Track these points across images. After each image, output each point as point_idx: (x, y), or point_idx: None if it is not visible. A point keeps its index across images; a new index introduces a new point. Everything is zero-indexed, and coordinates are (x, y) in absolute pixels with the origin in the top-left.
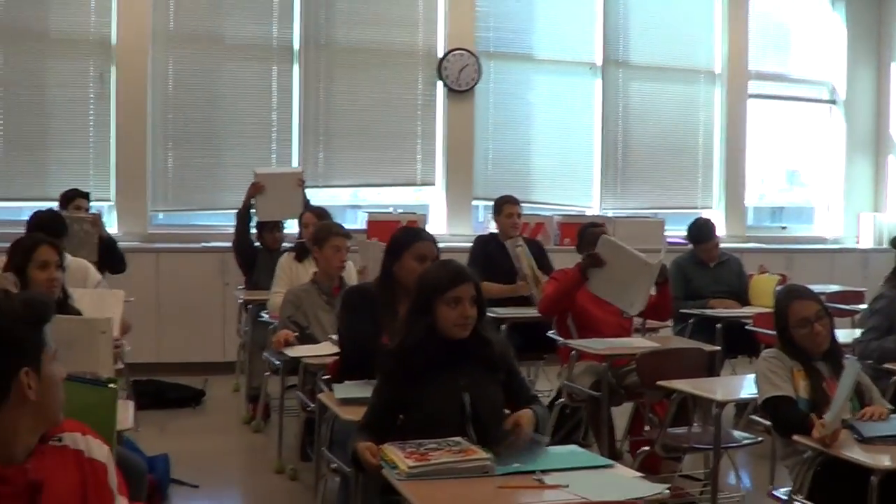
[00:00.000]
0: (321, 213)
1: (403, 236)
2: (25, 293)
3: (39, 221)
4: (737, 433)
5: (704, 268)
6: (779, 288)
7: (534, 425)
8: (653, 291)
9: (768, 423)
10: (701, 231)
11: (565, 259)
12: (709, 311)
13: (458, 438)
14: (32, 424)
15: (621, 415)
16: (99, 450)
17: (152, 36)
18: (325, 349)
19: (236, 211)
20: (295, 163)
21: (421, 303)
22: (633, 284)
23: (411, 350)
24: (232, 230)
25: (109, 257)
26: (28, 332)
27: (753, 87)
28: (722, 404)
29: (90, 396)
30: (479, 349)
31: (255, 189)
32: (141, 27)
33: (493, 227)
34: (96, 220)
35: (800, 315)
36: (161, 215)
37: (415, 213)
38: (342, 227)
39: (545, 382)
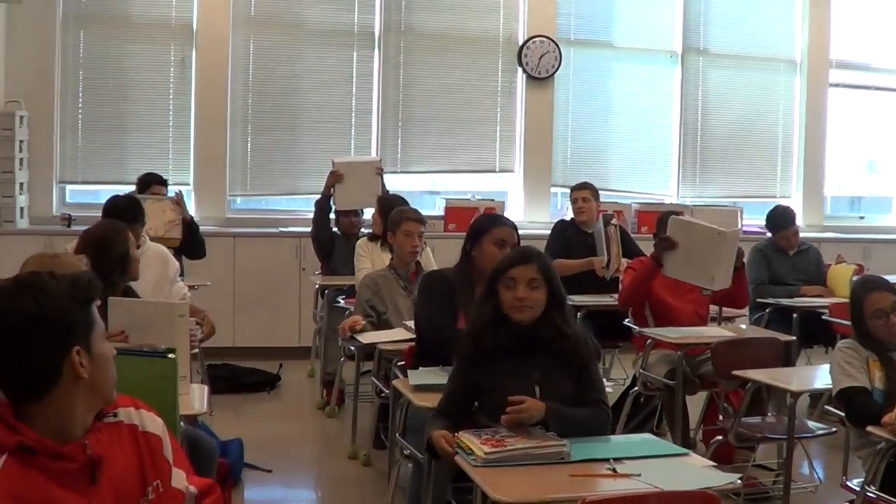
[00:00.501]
0: (389, 199)
1: (483, 222)
2: (71, 273)
3: (115, 207)
4: (811, 423)
5: (783, 256)
6: (855, 278)
7: (542, 416)
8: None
9: (842, 413)
10: (780, 218)
11: (643, 247)
12: (785, 301)
13: (532, 427)
14: (87, 402)
15: (695, 404)
16: (153, 423)
17: (233, 21)
18: (396, 335)
19: (315, 199)
20: (373, 149)
21: (488, 286)
22: (710, 259)
23: (480, 332)
24: (309, 215)
25: (191, 240)
26: (77, 311)
27: (834, 76)
28: (796, 394)
29: (150, 369)
30: (552, 341)
31: (334, 178)
32: (222, 12)
33: (570, 214)
34: (179, 200)
35: (876, 306)
36: (239, 200)
37: (493, 200)
38: (416, 212)
39: (620, 370)
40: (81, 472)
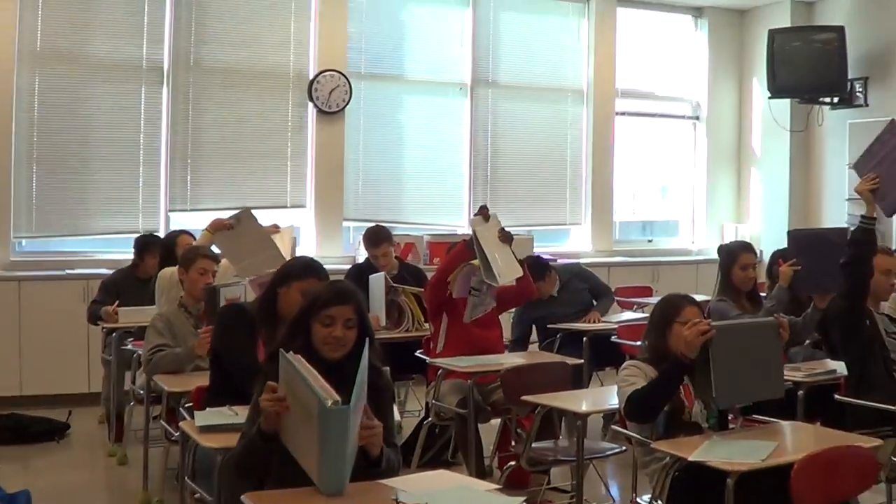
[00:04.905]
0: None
1: (297, 269)
2: None
3: None
4: (603, 444)
5: (545, 303)
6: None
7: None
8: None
9: (629, 432)
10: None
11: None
12: (575, 325)
13: None
14: None
15: (491, 431)
16: None
17: (17, 55)
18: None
19: (88, 308)
20: (162, 185)
21: (300, 318)
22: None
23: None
24: (98, 256)
25: None
26: None
27: (620, 104)
28: (583, 416)
29: None
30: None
31: (111, 320)
32: (5, 46)
33: (361, 255)
34: None
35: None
36: (24, 242)
37: None
38: (209, 249)
39: (415, 402)
40: None
